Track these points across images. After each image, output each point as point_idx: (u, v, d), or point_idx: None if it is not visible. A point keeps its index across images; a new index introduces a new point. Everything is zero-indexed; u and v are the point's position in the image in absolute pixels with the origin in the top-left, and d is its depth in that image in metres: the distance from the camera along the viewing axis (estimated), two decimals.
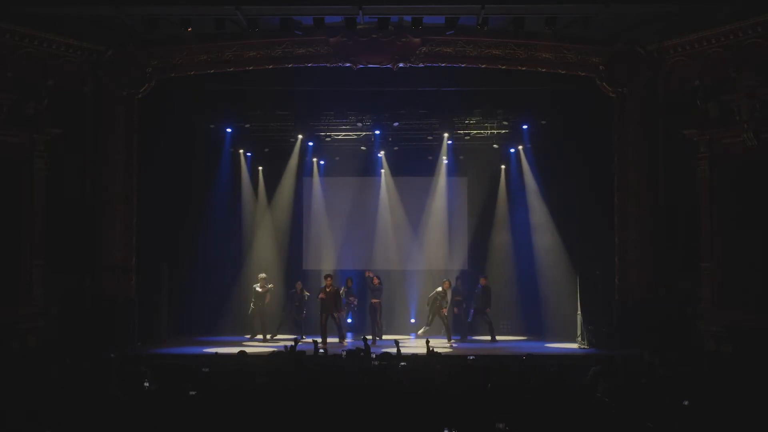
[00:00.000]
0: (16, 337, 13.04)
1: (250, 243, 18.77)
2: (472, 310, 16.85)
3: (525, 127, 17.09)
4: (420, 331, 16.64)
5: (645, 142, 14.87)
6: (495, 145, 18.23)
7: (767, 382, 8.27)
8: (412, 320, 18.27)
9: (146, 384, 7.68)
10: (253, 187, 18.95)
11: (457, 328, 17.03)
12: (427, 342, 11.12)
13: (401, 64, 14.63)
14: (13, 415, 6.41)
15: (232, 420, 6.46)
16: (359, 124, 16.81)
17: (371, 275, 17.08)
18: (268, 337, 16.64)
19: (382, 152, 18.51)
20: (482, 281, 17.07)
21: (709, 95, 13.67)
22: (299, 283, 17.65)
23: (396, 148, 18.25)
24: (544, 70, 14.94)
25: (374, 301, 16.69)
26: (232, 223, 18.63)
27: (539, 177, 17.56)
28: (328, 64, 14.77)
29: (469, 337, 16.80)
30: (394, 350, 10.25)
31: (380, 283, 16.90)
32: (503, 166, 18.66)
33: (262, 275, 17.17)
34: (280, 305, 17.84)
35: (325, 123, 17.15)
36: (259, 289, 16.93)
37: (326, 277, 16.35)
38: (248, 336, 16.82)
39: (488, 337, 16.55)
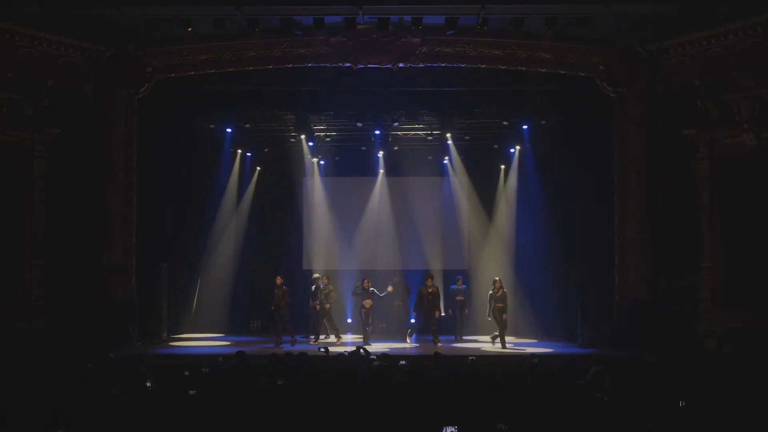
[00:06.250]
0: (16, 337, 13.04)
1: (251, 243, 18.74)
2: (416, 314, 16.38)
3: (525, 127, 17.07)
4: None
5: (645, 142, 14.87)
6: (495, 145, 18.25)
7: (767, 382, 8.27)
8: (412, 320, 18.24)
9: (148, 384, 7.68)
10: (252, 187, 18.92)
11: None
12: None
13: (401, 64, 14.64)
14: (14, 415, 6.41)
15: (232, 420, 6.46)
16: (359, 124, 16.79)
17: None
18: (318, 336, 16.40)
19: (382, 152, 18.49)
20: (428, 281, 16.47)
21: (709, 95, 13.67)
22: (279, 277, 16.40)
23: (396, 148, 18.24)
24: (544, 70, 14.95)
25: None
26: (232, 222, 18.60)
27: (539, 177, 17.54)
28: (328, 64, 14.78)
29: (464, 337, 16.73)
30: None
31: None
32: (503, 166, 18.64)
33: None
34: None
35: (325, 123, 17.15)
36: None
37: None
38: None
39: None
